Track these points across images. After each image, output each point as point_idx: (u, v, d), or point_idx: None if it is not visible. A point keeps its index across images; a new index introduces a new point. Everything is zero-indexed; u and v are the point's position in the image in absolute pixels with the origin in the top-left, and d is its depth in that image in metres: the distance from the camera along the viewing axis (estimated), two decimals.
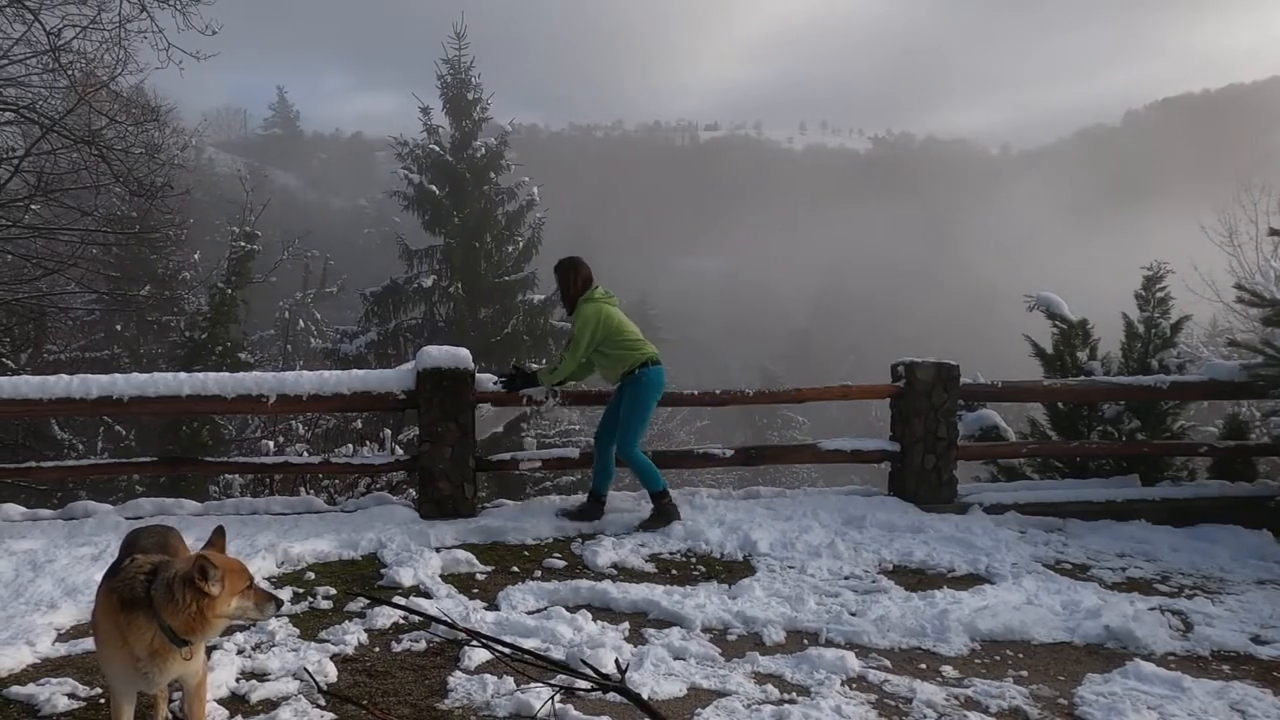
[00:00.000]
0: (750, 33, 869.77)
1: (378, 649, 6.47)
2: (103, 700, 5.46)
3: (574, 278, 9.92)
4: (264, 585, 5.07)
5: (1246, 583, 8.71)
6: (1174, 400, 12.23)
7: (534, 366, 10.42)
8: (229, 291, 23.91)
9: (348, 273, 44.02)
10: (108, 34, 16.58)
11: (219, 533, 4.70)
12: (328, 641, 6.51)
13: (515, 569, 8.38)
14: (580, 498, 10.44)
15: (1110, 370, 12.65)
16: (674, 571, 8.45)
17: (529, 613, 7.17)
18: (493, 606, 7.34)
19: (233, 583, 4.30)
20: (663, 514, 9.58)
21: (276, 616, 6.56)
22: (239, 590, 4.33)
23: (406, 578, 7.82)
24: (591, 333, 9.62)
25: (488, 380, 10.19)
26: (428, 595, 7.54)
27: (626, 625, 7.01)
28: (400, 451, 17.03)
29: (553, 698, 5.47)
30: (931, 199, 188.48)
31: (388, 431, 17.94)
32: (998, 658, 6.64)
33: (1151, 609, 7.64)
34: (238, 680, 5.82)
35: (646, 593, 7.58)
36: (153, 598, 4.25)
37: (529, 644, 6.20)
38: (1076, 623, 7.24)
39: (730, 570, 8.50)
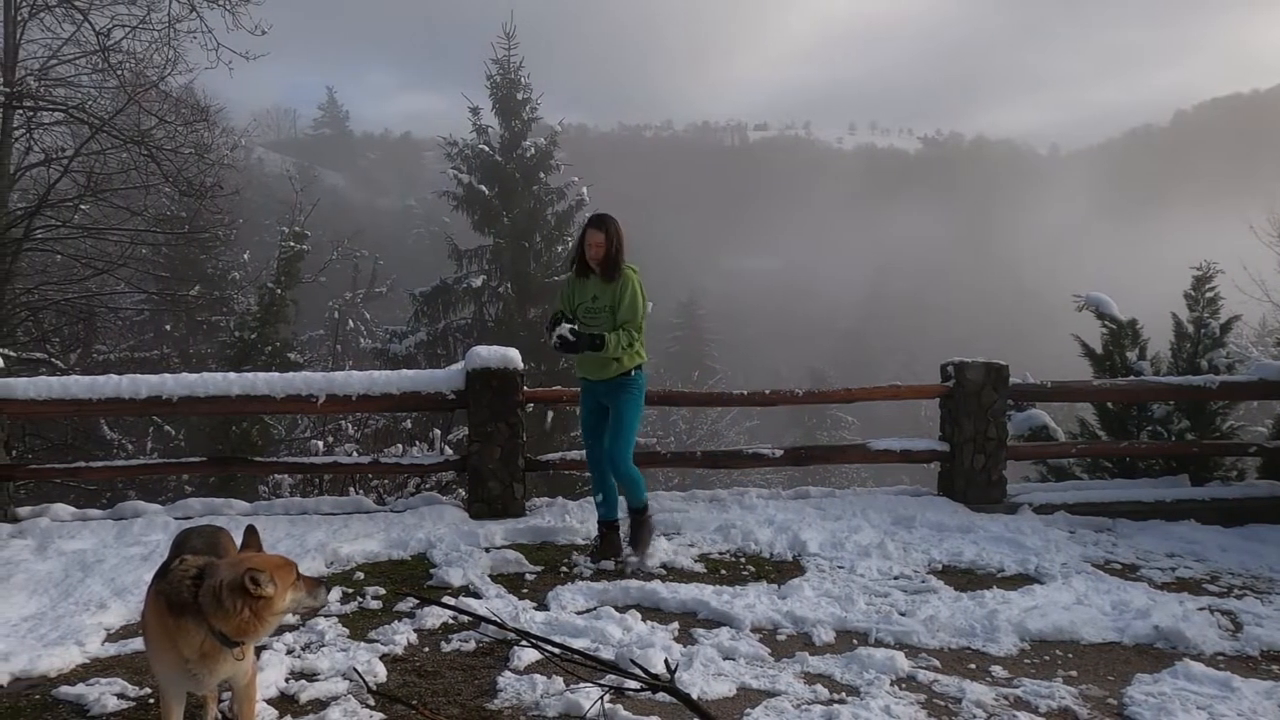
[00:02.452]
0: (800, 32, 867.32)
1: (427, 649, 6.51)
2: (152, 700, 5.51)
3: (621, 237, 8.37)
4: (308, 573, 5.04)
5: None
6: (1223, 400, 12.18)
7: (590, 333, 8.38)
8: (278, 291, 23.98)
9: (397, 273, 44.11)
10: (157, 34, 16.86)
11: (251, 532, 4.70)
12: (377, 641, 6.55)
13: (564, 569, 8.41)
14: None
15: (1159, 370, 12.61)
16: (723, 571, 8.45)
17: (578, 613, 7.19)
18: (542, 606, 7.36)
19: (283, 578, 4.29)
20: (643, 528, 8.66)
21: (325, 615, 6.69)
22: (291, 583, 4.33)
23: (456, 578, 7.87)
24: (644, 304, 8.38)
25: (567, 328, 8.35)
26: (477, 595, 7.58)
27: (676, 625, 7.02)
28: (450, 451, 17.06)
29: (602, 698, 5.49)
30: (981, 199, 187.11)
31: (437, 431, 18.00)
32: (1047, 658, 6.61)
33: (1201, 609, 7.61)
34: (287, 680, 5.87)
35: (696, 593, 7.58)
36: (200, 604, 4.25)
37: (578, 644, 6.22)
38: (1126, 623, 7.20)
39: (780, 570, 8.50)
